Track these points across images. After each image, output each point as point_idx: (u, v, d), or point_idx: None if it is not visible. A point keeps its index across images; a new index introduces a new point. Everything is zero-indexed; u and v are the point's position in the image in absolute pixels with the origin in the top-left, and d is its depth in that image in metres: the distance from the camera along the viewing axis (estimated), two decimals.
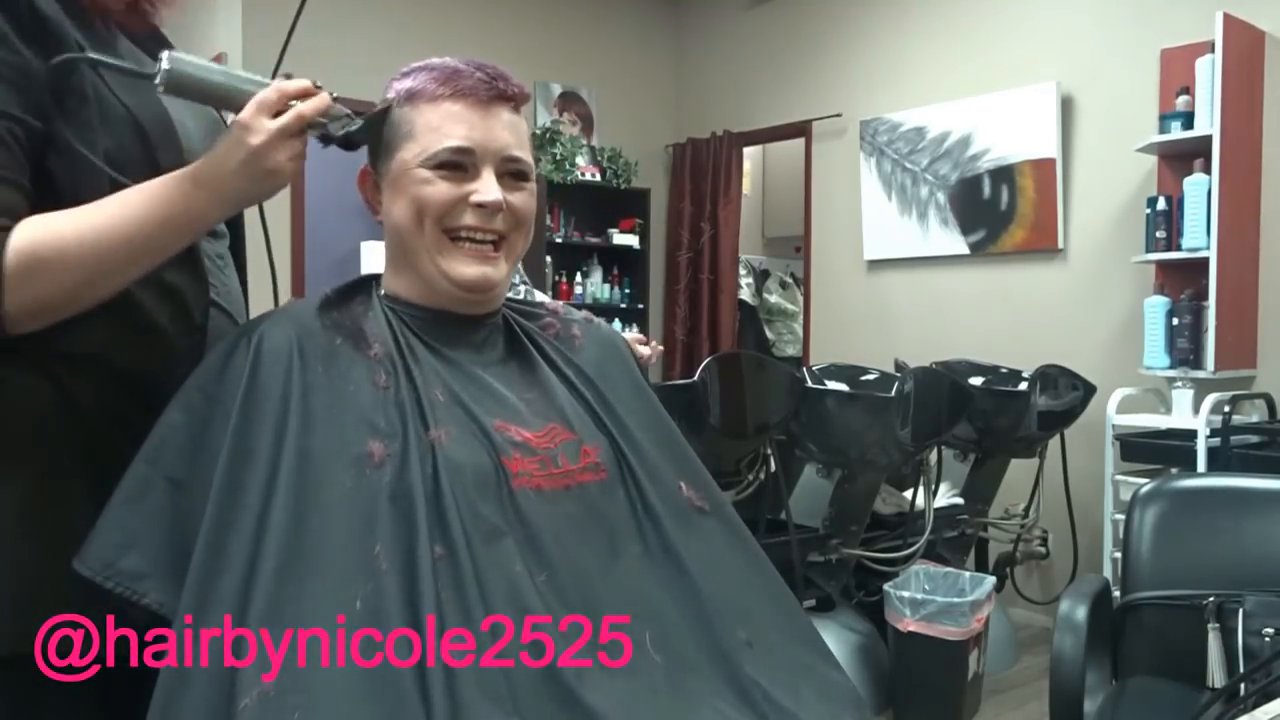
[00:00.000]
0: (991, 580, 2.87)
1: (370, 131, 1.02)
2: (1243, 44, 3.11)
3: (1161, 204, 3.22)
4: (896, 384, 2.85)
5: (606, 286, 5.27)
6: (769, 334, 5.89)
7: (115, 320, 0.93)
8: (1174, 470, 3.04)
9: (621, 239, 5.22)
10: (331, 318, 1.00)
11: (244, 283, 1.16)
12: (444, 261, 1.00)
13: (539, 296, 2.43)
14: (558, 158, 4.86)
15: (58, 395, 0.92)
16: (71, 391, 0.93)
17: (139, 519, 0.89)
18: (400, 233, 1.01)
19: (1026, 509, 3.56)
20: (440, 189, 0.99)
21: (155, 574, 0.88)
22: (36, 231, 0.87)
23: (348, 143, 1.01)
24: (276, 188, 0.94)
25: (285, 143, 0.92)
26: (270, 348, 0.94)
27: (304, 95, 0.94)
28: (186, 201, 0.91)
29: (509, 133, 1.01)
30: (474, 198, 0.99)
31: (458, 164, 0.99)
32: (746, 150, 5.23)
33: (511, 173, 1.02)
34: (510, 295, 1.16)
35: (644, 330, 5.08)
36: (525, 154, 1.03)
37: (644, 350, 2.56)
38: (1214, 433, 2.90)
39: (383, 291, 1.06)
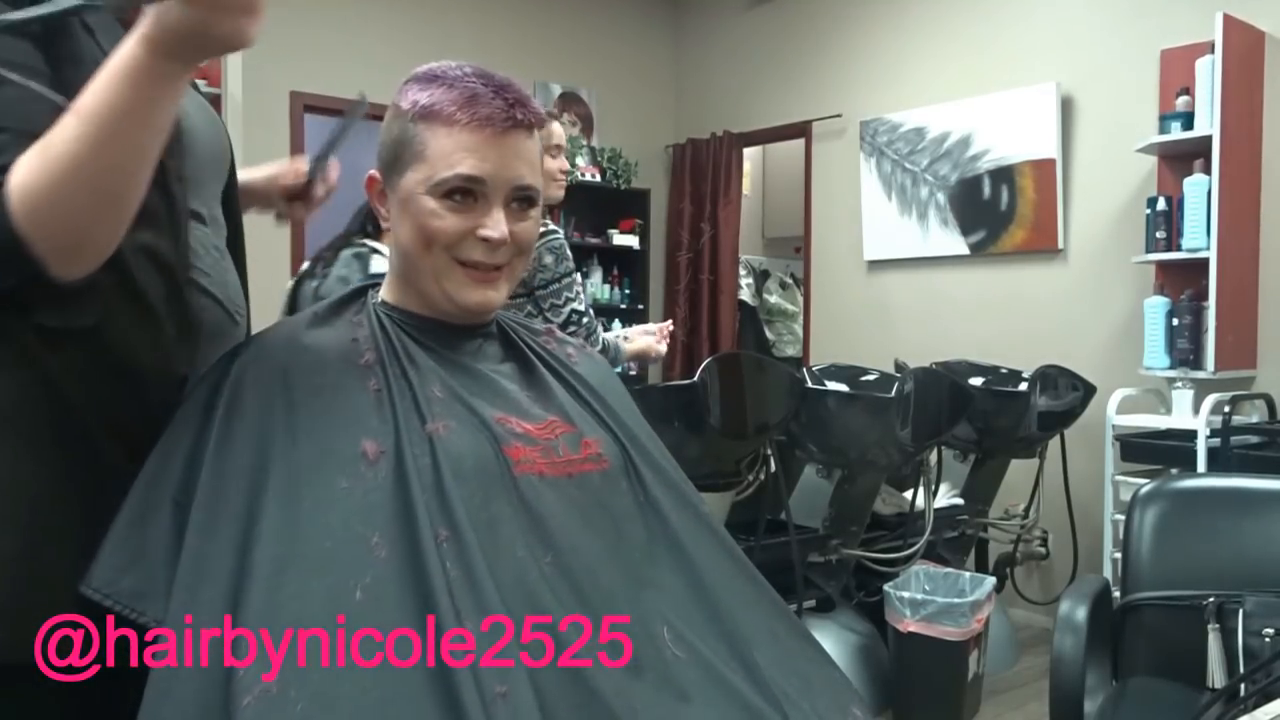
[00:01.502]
0: (991, 580, 2.87)
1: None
2: (1243, 44, 3.11)
3: (1161, 204, 3.22)
4: (896, 384, 2.85)
5: (606, 287, 5.27)
6: (769, 334, 5.89)
7: (107, 294, 0.90)
8: (1174, 470, 3.04)
9: (621, 239, 5.22)
10: (320, 333, 1.01)
11: (245, 279, 1.15)
12: (449, 285, 1.01)
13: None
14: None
15: (32, 375, 0.88)
16: (49, 372, 0.88)
17: (140, 539, 0.90)
18: (406, 254, 1.02)
19: (1026, 509, 3.56)
20: (448, 223, 0.98)
21: (154, 592, 0.88)
22: (29, 161, 0.81)
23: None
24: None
25: None
26: (255, 367, 0.95)
27: None
28: (128, 57, 0.79)
29: (521, 161, 1.00)
30: (481, 232, 0.99)
31: (467, 191, 0.99)
32: (746, 150, 5.24)
33: (519, 199, 1.02)
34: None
35: None
36: (535, 178, 1.03)
37: (659, 347, 2.52)
38: (1214, 433, 2.90)
39: (380, 299, 1.06)
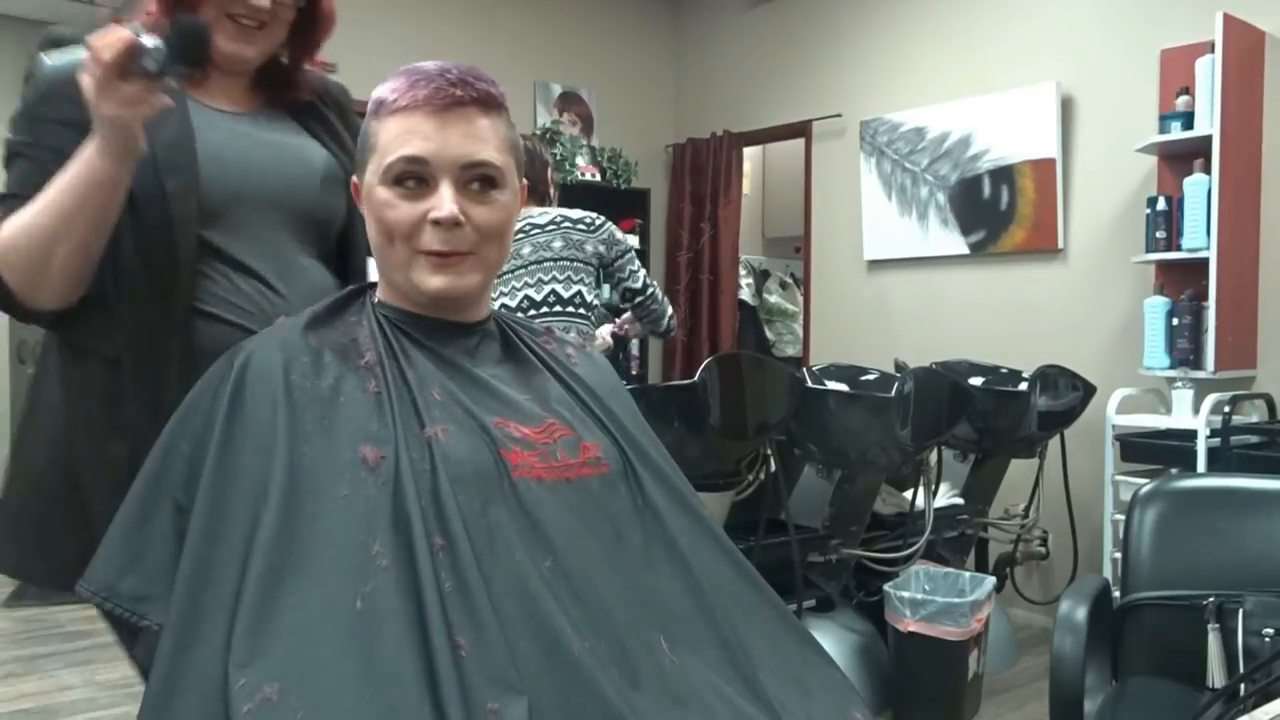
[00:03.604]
0: (991, 580, 2.87)
1: (183, 52, 0.97)
2: (1243, 44, 3.11)
3: (1161, 204, 3.22)
4: (896, 384, 2.84)
5: (606, 287, 5.26)
6: (769, 334, 5.89)
7: (124, 338, 1.13)
8: (1174, 470, 3.04)
9: None
10: (319, 334, 1.00)
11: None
12: (413, 274, 1.00)
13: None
14: (558, 158, 4.86)
15: (64, 376, 1.16)
16: (70, 377, 1.15)
17: (140, 541, 0.90)
18: (375, 249, 1.03)
19: (1026, 509, 3.56)
20: (401, 211, 0.98)
21: (156, 595, 0.88)
22: (12, 219, 1.07)
23: (174, 66, 0.98)
24: (124, 135, 1.01)
25: (107, 91, 0.97)
26: (255, 369, 0.95)
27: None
28: (84, 160, 1.03)
29: (470, 139, 0.98)
30: (431, 215, 0.97)
31: (416, 175, 0.98)
32: (746, 150, 5.23)
33: (477, 179, 1.00)
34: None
35: None
36: (492, 156, 1.00)
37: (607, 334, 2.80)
38: (1214, 433, 2.90)
39: (376, 299, 1.06)
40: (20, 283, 1.06)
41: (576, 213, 2.65)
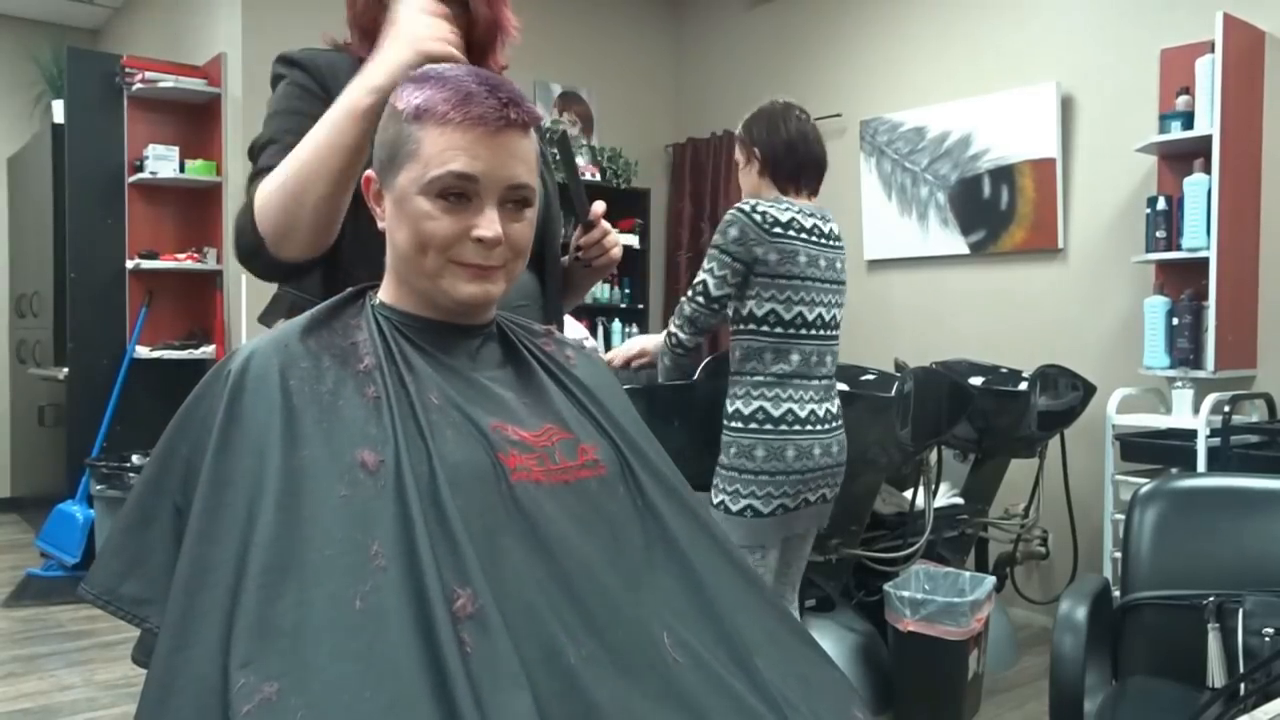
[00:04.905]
0: (991, 580, 2.87)
1: None
2: (1243, 44, 3.11)
3: (1161, 204, 3.22)
4: (896, 384, 2.84)
5: (606, 286, 5.27)
6: None
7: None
8: (1174, 470, 3.04)
9: (621, 239, 5.20)
10: (319, 338, 1.00)
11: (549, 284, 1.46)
12: (445, 282, 1.01)
13: None
14: (558, 157, 4.86)
15: None
16: None
17: (141, 544, 0.90)
18: (402, 255, 1.02)
19: (1026, 509, 3.56)
20: (442, 225, 0.98)
21: (157, 599, 0.88)
22: (266, 180, 1.16)
23: None
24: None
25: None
26: (253, 373, 0.95)
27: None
28: (332, 124, 1.13)
29: (515, 160, 1.00)
30: (475, 232, 0.98)
31: (460, 191, 0.98)
32: None
33: (514, 200, 1.01)
34: None
35: (644, 331, 5.09)
36: (531, 178, 1.02)
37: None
38: (1214, 433, 2.90)
39: (378, 301, 1.06)
40: (272, 230, 1.16)
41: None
